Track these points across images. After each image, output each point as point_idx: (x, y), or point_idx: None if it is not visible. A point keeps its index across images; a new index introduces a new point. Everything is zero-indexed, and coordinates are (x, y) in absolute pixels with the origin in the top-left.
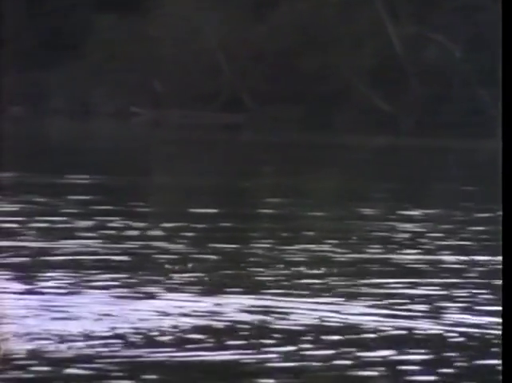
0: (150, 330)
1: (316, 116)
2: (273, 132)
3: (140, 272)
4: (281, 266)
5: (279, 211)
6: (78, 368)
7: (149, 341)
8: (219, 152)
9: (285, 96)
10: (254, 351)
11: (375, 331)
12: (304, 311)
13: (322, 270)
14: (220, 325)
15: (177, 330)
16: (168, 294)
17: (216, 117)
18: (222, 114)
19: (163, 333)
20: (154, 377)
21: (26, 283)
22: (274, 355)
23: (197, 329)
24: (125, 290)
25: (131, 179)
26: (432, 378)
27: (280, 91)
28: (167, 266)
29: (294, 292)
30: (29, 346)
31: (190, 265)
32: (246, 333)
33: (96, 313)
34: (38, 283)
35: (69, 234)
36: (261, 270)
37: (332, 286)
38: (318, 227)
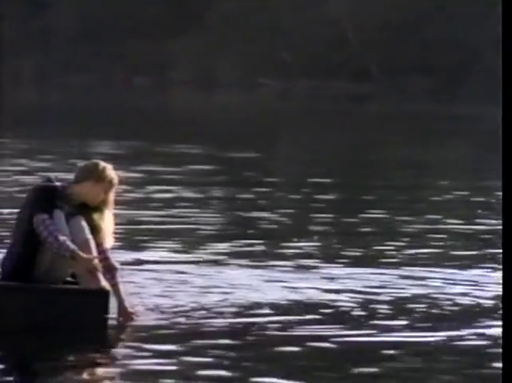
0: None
1: (444, 87)
2: (401, 103)
3: (257, 242)
4: (397, 237)
5: (402, 181)
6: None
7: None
8: (346, 123)
9: (413, 66)
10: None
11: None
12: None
13: (438, 241)
14: (381, 299)
15: (333, 305)
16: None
17: (343, 88)
18: (349, 85)
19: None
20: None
21: (145, 254)
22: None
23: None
24: (245, 260)
25: (256, 150)
26: None
27: (408, 61)
28: (284, 236)
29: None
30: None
31: (305, 236)
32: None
33: (243, 285)
34: (157, 254)
35: (185, 203)
36: (376, 240)
37: (450, 257)
38: (439, 198)
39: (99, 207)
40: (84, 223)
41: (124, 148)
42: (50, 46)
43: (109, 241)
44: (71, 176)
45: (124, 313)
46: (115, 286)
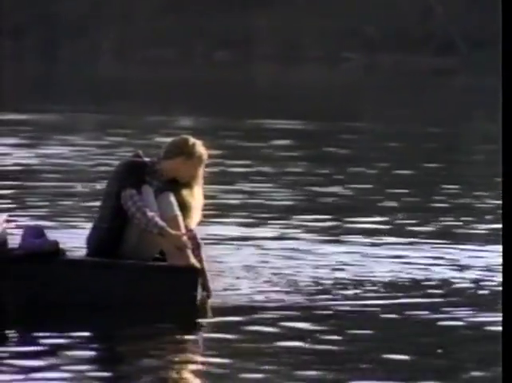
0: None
1: None
2: (486, 77)
3: (339, 217)
4: (470, 212)
5: (483, 157)
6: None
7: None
8: (430, 97)
9: (499, 39)
10: None
11: None
12: None
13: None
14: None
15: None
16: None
17: (428, 62)
18: (434, 58)
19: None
20: None
21: (225, 229)
22: None
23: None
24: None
25: (338, 125)
26: None
27: (493, 34)
28: (362, 211)
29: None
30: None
31: (382, 211)
32: None
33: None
34: (237, 229)
35: (263, 177)
36: (452, 216)
37: None
38: None
39: (188, 183)
40: (173, 199)
41: (204, 122)
42: (130, 20)
43: (197, 217)
44: (150, 151)
45: (210, 290)
46: (200, 263)
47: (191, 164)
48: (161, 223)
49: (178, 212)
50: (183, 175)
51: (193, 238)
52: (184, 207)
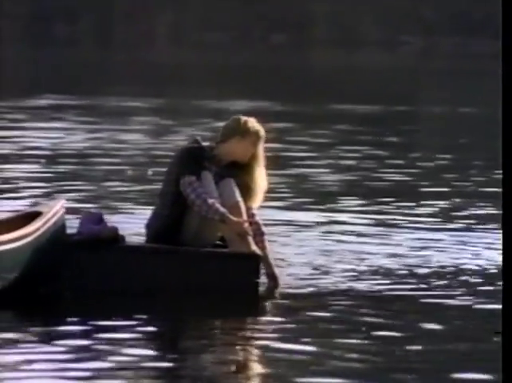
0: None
1: None
2: None
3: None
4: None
5: None
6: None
7: None
8: (487, 81)
9: None
10: None
11: None
12: None
13: None
14: None
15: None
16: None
17: (487, 45)
18: (493, 42)
19: None
20: None
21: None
22: None
23: None
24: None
25: (397, 110)
26: None
27: None
28: (408, 197)
29: None
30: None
31: (431, 196)
32: None
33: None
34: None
35: (314, 162)
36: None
37: None
38: None
39: (249, 165)
40: (234, 186)
41: (260, 106)
42: (186, 4)
43: (260, 199)
44: (207, 136)
45: (273, 278)
46: (263, 250)
47: (247, 142)
48: (222, 209)
49: (239, 199)
50: (241, 155)
51: (255, 223)
52: (246, 190)
